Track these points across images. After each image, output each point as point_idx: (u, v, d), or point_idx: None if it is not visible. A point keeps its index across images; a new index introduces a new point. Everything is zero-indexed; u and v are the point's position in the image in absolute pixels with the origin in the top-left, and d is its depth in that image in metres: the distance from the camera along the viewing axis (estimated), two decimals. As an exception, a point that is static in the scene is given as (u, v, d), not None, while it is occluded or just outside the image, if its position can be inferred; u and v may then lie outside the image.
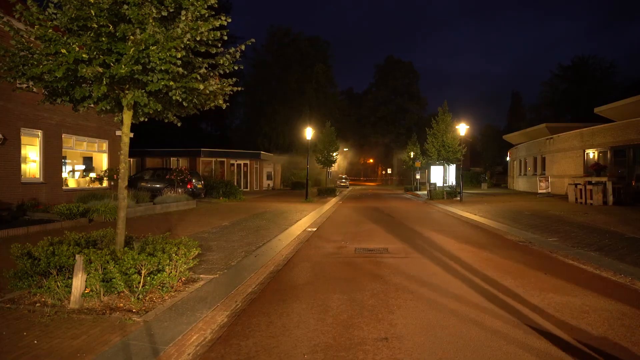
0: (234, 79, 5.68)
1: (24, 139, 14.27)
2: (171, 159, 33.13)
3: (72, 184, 17.54)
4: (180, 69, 4.66)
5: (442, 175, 29.67)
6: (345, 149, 59.01)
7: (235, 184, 29.11)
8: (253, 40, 5.41)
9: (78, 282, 4.40)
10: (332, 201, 23.69)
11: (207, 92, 5.19)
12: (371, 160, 79.79)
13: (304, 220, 13.61)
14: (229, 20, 5.02)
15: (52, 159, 15.52)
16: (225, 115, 53.75)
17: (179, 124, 6.09)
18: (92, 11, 4.49)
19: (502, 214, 14.99)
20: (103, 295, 4.58)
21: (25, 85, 5.10)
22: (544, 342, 3.74)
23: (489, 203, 20.77)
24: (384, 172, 75.97)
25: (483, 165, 60.56)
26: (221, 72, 5.51)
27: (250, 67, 56.10)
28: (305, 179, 30.67)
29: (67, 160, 17.51)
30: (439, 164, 29.20)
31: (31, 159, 15.03)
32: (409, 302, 4.91)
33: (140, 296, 4.57)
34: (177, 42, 4.51)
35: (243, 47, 5.48)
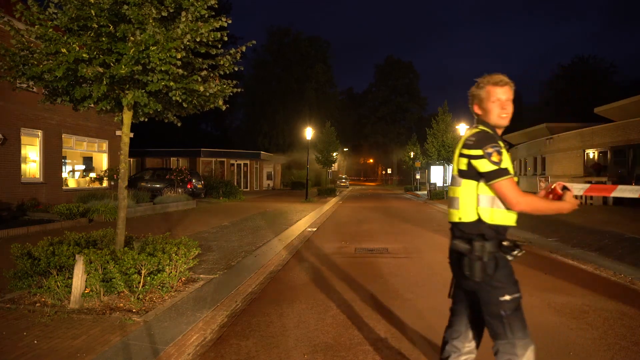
0: (235, 81, 5.68)
1: (24, 139, 14.27)
2: (171, 159, 33.13)
3: (72, 184, 17.55)
4: (180, 70, 4.66)
5: (442, 175, 29.69)
6: (345, 149, 59.01)
7: (235, 184, 29.12)
8: (254, 42, 5.41)
9: (78, 282, 4.40)
10: (332, 201, 23.70)
11: (207, 94, 5.19)
12: (371, 160, 79.81)
13: (304, 220, 13.61)
14: (229, 21, 5.02)
15: (52, 159, 15.52)
16: (225, 115, 53.76)
17: (179, 124, 6.09)
18: (93, 11, 4.50)
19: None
20: (103, 295, 4.58)
21: (25, 85, 5.10)
22: (545, 342, 3.74)
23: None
24: (384, 172, 75.97)
25: (483, 165, 60.44)
26: (221, 72, 5.51)
27: (250, 67, 56.15)
28: (305, 179, 30.67)
29: (67, 160, 17.52)
30: (439, 164, 29.24)
31: (31, 159, 15.03)
32: (409, 302, 4.91)
33: (140, 296, 4.57)
34: (177, 43, 4.51)
35: (244, 49, 5.48)
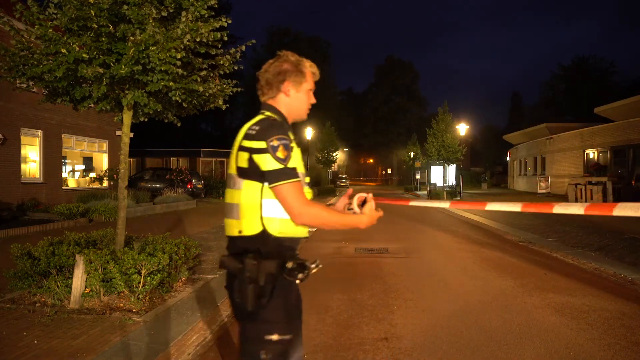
0: (235, 81, 5.68)
1: (24, 139, 14.27)
2: (171, 159, 33.12)
3: (72, 184, 17.55)
4: (180, 70, 4.66)
5: (442, 175, 29.67)
6: (345, 149, 59.02)
7: (235, 184, 29.04)
8: (254, 41, 5.41)
9: (78, 282, 4.40)
10: (332, 201, 23.67)
11: (207, 94, 5.19)
12: (371, 160, 79.79)
13: (304, 220, 13.60)
14: (229, 21, 5.03)
15: (52, 159, 15.51)
16: (225, 115, 53.76)
17: (178, 124, 6.09)
18: (92, 11, 4.49)
19: (501, 214, 14.99)
20: (103, 295, 4.58)
21: (25, 85, 5.10)
22: (545, 342, 3.74)
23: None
24: (384, 172, 75.97)
25: (483, 165, 60.57)
26: (221, 72, 5.51)
27: (250, 67, 56.14)
28: (305, 179, 30.62)
29: (67, 160, 17.52)
30: (439, 164, 29.21)
31: (31, 159, 15.03)
32: (409, 302, 4.91)
33: (140, 296, 4.57)
34: (177, 43, 4.51)
35: (243, 48, 5.48)
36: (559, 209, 1.83)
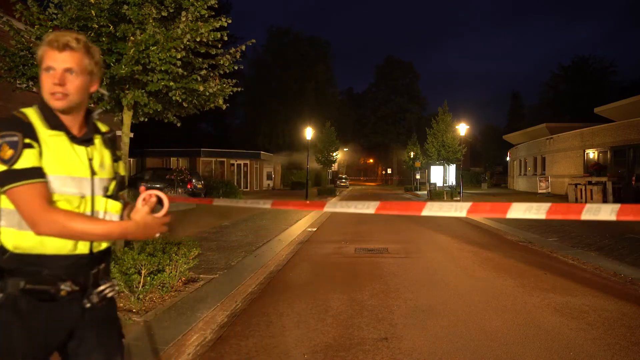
0: (235, 80, 5.69)
1: (24, 139, 14.26)
2: (171, 159, 33.13)
3: (72, 184, 17.54)
4: (180, 70, 4.67)
5: (442, 175, 29.67)
6: (345, 149, 59.02)
7: (235, 184, 29.13)
8: (254, 40, 5.43)
9: (78, 282, 4.39)
10: (332, 201, 23.69)
11: (207, 93, 5.20)
12: (371, 160, 79.80)
13: (304, 220, 13.61)
14: (229, 21, 5.03)
15: (52, 159, 15.49)
16: (225, 115, 53.73)
17: (178, 124, 6.09)
18: (93, 11, 4.50)
19: (502, 214, 14.99)
20: (103, 295, 4.58)
21: (25, 85, 5.10)
22: (545, 342, 3.74)
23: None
24: (384, 172, 75.95)
25: (483, 165, 60.57)
26: (221, 72, 5.52)
27: (250, 67, 56.16)
28: (305, 178, 30.68)
29: (67, 160, 17.51)
30: (439, 164, 29.21)
31: (31, 159, 15.02)
32: (409, 302, 4.91)
33: (140, 296, 4.57)
34: (177, 43, 4.52)
35: (244, 48, 5.50)
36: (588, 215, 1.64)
